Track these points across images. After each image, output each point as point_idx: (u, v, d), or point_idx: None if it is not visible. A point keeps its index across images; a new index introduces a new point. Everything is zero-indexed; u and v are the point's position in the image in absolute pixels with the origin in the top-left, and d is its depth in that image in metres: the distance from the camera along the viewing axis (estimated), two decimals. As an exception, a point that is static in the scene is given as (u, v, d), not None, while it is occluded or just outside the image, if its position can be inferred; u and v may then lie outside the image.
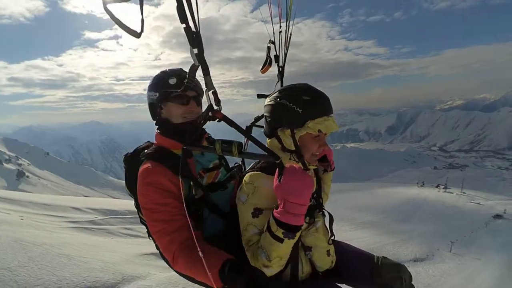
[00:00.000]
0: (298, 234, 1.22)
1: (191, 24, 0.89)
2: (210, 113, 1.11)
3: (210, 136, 1.85)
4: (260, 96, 1.93)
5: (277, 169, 1.21)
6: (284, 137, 1.38)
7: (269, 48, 1.93)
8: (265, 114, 1.47)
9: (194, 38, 0.92)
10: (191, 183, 1.46)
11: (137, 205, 1.67)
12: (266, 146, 1.29)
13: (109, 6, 0.80)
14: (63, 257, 4.19)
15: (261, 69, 1.98)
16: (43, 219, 7.88)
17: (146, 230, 1.64)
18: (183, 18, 0.86)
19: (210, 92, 1.09)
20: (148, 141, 1.81)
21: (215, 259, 1.25)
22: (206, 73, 1.01)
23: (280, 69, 2.00)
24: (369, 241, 7.07)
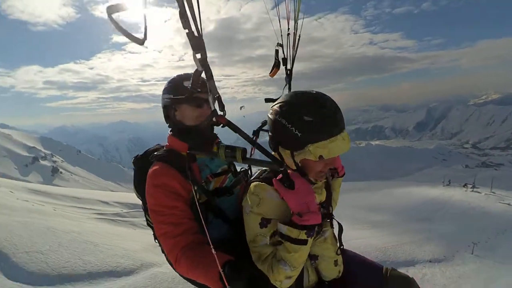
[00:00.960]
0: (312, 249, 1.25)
1: (193, 29, 0.89)
2: (214, 119, 1.10)
3: (221, 142, 1.80)
4: (267, 100, 1.91)
5: (281, 177, 1.22)
6: (284, 156, 1.29)
7: (277, 51, 1.91)
8: (268, 125, 1.37)
9: (197, 43, 0.91)
10: (195, 187, 1.44)
11: (144, 207, 1.69)
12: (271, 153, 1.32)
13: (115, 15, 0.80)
14: (89, 243, 4.60)
15: (270, 72, 1.95)
16: (73, 211, 8.53)
17: (153, 232, 1.65)
18: (186, 24, 0.86)
19: (214, 97, 1.08)
20: (158, 144, 1.82)
21: (215, 261, 1.22)
22: (210, 77, 1.02)
23: (288, 72, 1.95)
24: (384, 240, 6.96)
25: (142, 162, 1.68)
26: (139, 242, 5.53)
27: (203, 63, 0.96)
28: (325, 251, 1.50)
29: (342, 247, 1.59)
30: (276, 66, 1.93)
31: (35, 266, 3.64)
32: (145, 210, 1.69)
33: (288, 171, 1.22)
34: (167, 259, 1.58)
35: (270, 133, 1.35)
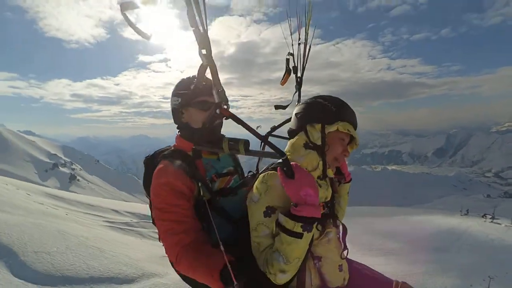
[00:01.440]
0: (314, 227, 1.22)
1: (200, 26, 0.92)
2: (217, 111, 1.11)
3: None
4: (277, 107, 2.04)
5: (282, 167, 1.22)
6: (312, 131, 1.40)
7: (287, 60, 1.96)
8: (296, 112, 1.49)
9: (203, 39, 0.94)
10: (200, 184, 1.47)
11: (151, 206, 1.70)
12: (285, 150, 1.38)
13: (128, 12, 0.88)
14: (95, 249, 4.67)
15: (281, 81, 2.00)
16: (84, 217, 8.72)
17: (158, 233, 1.67)
18: (192, 22, 0.90)
19: (217, 91, 1.09)
20: (169, 146, 1.82)
21: (216, 260, 1.25)
22: (214, 72, 1.05)
23: (298, 80, 2.00)
24: (395, 269, 6.69)
25: (151, 162, 1.69)
26: (144, 252, 5.57)
27: (208, 58, 0.98)
28: (329, 252, 1.47)
29: (347, 251, 1.57)
30: (287, 73, 1.98)
31: (41, 266, 3.73)
32: (152, 209, 1.72)
33: (292, 163, 1.22)
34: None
35: (299, 115, 1.46)
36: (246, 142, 1.09)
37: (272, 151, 1.14)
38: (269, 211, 1.29)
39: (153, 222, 1.73)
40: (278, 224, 1.22)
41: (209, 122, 1.48)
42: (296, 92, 2.01)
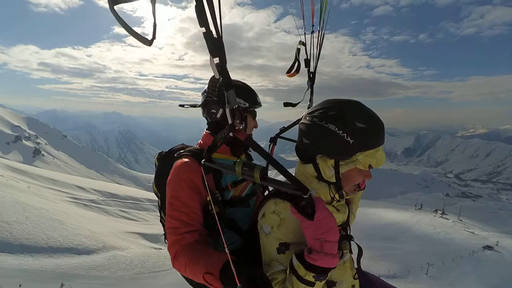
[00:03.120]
0: (329, 274, 1.09)
1: (212, 28, 0.76)
2: (231, 134, 0.98)
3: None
4: (287, 104, 1.80)
5: (302, 205, 1.07)
6: (324, 167, 1.19)
7: (298, 50, 1.72)
8: (302, 133, 1.24)
9: (215, 46, 0.78)
10: (208, 198, 1.41)
11: (161, 204, 1.67)
12: (295, 172, 1.24)
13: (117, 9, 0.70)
14: (56, 221, 4.83)
15: (287, 72, 1.77)
16: (47, 191, 8.65)
17: (164, 232, 1.65)
18: (202, 21, 0.73)
19: (231, 109, 0.96)
20: (183, 144, 1.77)
21: (216, 259, 1.20)
22: (228, 87, 0.89)
23: (311, 75, 1.76)
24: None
25: (167, 159, 1.66)
26: (108, 228, 5.76)
27: (222, 70, 0.83)
28: (344, 276, 1.34)
29: (361, 270, 1.47)
30: (296, 67, 1.76)
31: (-1, 234, 3.83)
32: (162, 207, 1.67)
33: (313, 196, 1.05)
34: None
35: (306, 142, 1.21)
36: (263, 169, 0.95)
37: (292, 183, 0.98)
38: (283, 248, 1.18)
39: (161, 219, 1.73)
40: (291, 265, 1.10)
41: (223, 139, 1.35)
42: (308, 89, 1.76)
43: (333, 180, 1.19)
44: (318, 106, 1.22)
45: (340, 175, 1.17)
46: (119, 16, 0.67)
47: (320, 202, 1.04)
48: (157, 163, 1.74)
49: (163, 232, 1.67)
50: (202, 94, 1.62)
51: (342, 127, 1.10)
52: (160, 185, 1.64)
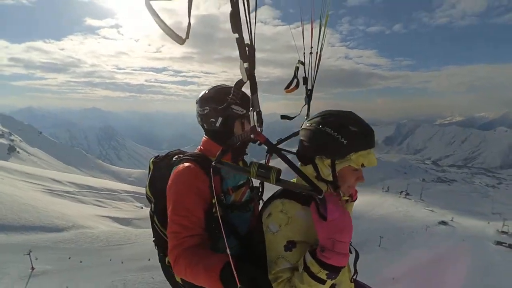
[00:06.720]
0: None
1: (246, 36, 0.80)
2: (252, 135, 1.05)
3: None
4: (283, 117, 1.92)
5: (316, 203, 1.13)
6: (322, 167, 1.32)
7: (297, 68, 1.84)
8: (302, 138, 1.39)
9: (248, 52, 0.83)
10: (213, 201, 1.41)
11: (154, 209, 1.66)
12: (296, 176, 1.32)
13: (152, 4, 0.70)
14: (29, 206, 5.34)
15: (286, 88, 1.85)
16: (21, 184, 8.99)
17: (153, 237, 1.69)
18: (236, 27, 0.76)
19: (254, 112, 1.03)
20: (179, 149, 1.79)
21: (216, 260, 1.20)
22: (254, 91, 0.95)
23: (308, 93, 1.89)
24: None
25: (164, 164, 1.65)
26: (80, 212, 6.28)
27: (250, 75, 0.89)
28: (343, 278, 1.42)
29: (356, 275, 1.53)
30: (295, 85, 1.86)
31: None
32: (155, 212, 1.66)
33: (327, 197, 1.12)
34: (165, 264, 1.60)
35: (306, 145, 1.35)
36: (279, 172, 0.99)
37: (306, 184, 1.06)
38: (290, 245, 1.25)
39: (153, 227, 1.67)
40: (304, 262, 1.15)
41: (240, 141, 1.34)
42: (304, 105, 1.89)
43: (330, 178, 1.32)
44: (317, 114, 1.39)
45: (336, 173, 1.30)
46: (156, 12, 0.67)
47: (333, 200, 1.13)
48: (152, 167, 1.72)
49: (152, 239, 1.70)
50: (198, 105, 1.61)
51: (337, 130, 1.26)
52: (156, 190, 1.64)
